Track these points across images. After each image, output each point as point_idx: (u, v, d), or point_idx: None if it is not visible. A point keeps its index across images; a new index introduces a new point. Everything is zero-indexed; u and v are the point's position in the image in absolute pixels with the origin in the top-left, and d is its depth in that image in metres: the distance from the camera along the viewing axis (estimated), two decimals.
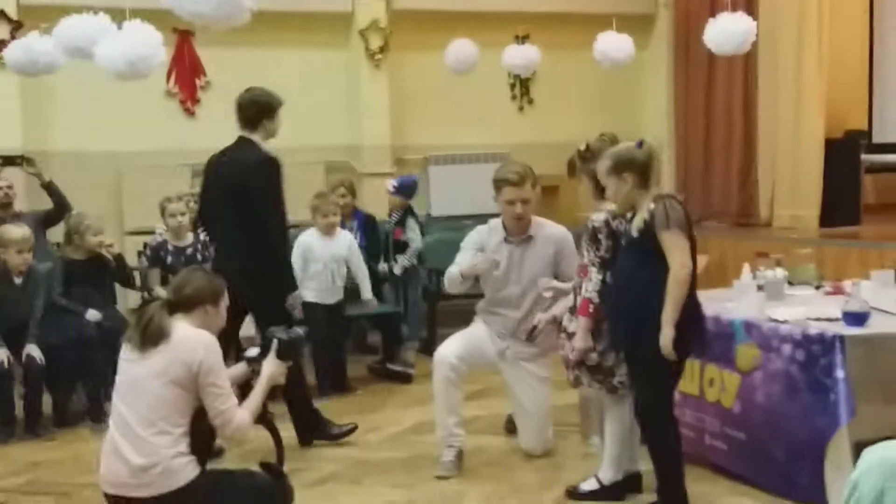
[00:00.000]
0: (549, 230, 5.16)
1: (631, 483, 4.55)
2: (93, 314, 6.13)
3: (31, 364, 5.85)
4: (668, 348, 3.91)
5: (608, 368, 4.44)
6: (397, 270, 7.35)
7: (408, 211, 7.45)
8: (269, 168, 5.37)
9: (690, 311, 4.02)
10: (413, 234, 7.34)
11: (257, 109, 5.45)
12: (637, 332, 4.01)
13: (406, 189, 7.46)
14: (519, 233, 5.09)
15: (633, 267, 4.07)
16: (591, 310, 4.32)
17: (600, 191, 4.40)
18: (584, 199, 4.76)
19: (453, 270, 5.06)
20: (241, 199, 5.27)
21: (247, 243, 5.27)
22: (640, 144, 4.08)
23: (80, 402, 6.22)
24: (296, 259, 6.42)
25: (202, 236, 6.93)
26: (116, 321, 6.21)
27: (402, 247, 7.39)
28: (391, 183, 7.45)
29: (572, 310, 4.56)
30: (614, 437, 4.55)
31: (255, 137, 5.42)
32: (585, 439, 5.40)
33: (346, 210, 7.49)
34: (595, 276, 4.33)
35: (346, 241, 6.89)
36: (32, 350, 5.86)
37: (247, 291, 4.92)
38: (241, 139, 5.44)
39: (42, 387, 5.97)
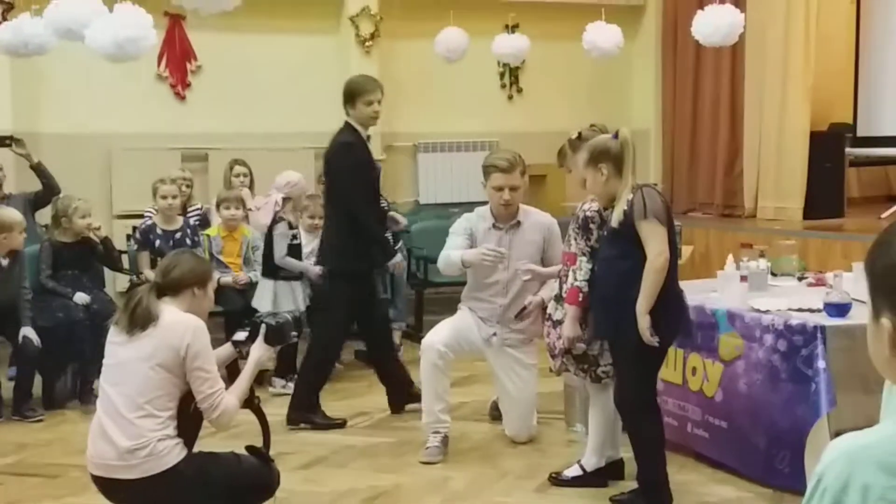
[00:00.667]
0: (536, 217, 5.20)
1: (613, 470, 4.61)
2: (81, 297, 6.15)
3: (27, 346, 5.86)
4: (647, 335, 3.95)
5: (593, 357, 4.48)
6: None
7: None
8: (342, 152, 5.72)
9: (672, 298, 4.06)
10: None
11: (343, 96, 5.78)
12: (619, 321, 4.05)
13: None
14: (507, 219, 5.13)
15: (613, 257, 4.12)
16: (580, 299, 4.35)
17: None
18: (572, 189, 4.80)
19: (453, 255, 5.06)
20: (327, 179, 5.90)
21: (335, 220, 5.75)
22: (616, 135, 4.12)
23: (67, 384, 6.24)
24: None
25: (191, 220, 6.95)
26: (105, 304, 6.23)
27: None
28: None
29: (557, 298, 4.60)
30: (598, 424, 4.60)
31: (352, 122, 5.71)
32: (569, 426, 5.45)
33: None
34: (585, 265, 4.36)
35: None
36: (28, 332, 5.87)
37: (333, 265, 5.77)
38: (345, 122, 5.81)
39: (35, 369, 5.99)
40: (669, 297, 4.04)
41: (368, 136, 5.85)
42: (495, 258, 4.91)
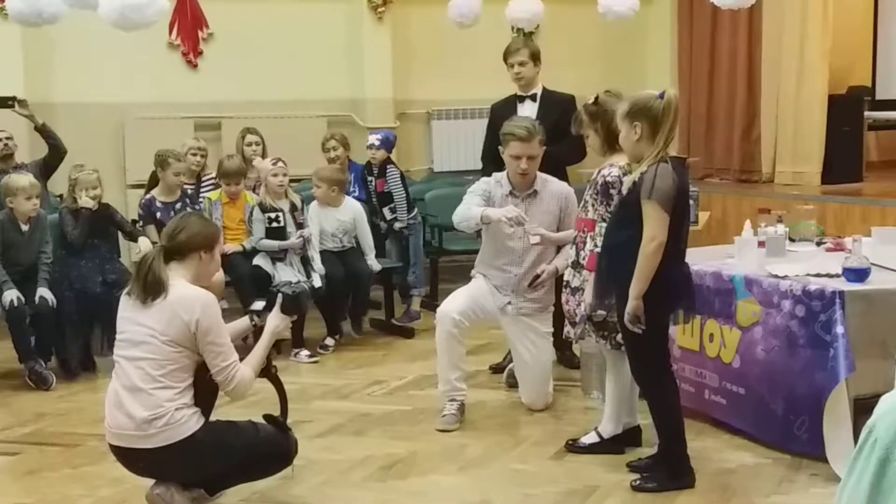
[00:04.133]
0: (554, 187, 5.16)
1: (630, 436, 4.59)
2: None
3: (43, 306, 5.90)
4: (630, 318, 3.90)
5: (613, 324, 4.44)
6: (398, 226, 7.35)
7: (387, 162, 7.45)
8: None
9: (670, 282, 3.95)
10: (395, 186, 7.35)
11: None
12: (618, 294, 3.99)
13: (389, 143, 7.48)
14: (524, 188, 5.09)
15: (614, 224, 4.07)
16: None
17: (608, 145, 4.39)
18: (588, 154, 4.74)
19: (474, 210, 5.02)
20: None
21: None
22: (662, 95, 3.94)
23: (100, 348, 6.25)
24: (312, 226, 6.73)
25: (189, 190, 6.92)
26: (123, 274, 6.24)
27: (386, 198, 7.39)
28: (375, 137, 7.44)
29: (574, 265, 4.58)
30: (615, 391, 4.58)
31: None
32: (586, 394, 5.44)
33: (340, 162, 7.47)
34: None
35: (354, 210, 6.95)
36: (45, 293, 5.92)
37: None
38: None
39: (53, 328, 6.01)
40: (667, 281, 3.92)
41: (520, 97, 5.98)
42: (516, 220, 4.87)
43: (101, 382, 5.78)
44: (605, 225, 4.29)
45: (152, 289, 3.62)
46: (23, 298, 5.83)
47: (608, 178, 4.33)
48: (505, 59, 5.95)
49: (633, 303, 3.89)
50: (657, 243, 3.84)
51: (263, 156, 7.42)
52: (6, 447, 4.88)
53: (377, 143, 7.36)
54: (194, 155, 7.17)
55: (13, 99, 7.03)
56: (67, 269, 6.19)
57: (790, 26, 8.57)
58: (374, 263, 6.95)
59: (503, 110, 5.94)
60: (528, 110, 5.87)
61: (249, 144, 7.51)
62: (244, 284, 6.45)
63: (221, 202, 6.78)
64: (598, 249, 4.28)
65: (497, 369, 5.92)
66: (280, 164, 6.64)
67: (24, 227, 6.04)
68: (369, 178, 7.48)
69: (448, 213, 7.99)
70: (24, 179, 6.06)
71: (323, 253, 6.72)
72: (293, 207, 6.69)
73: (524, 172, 5.02)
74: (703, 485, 4.13)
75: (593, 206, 4.41)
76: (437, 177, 9.33)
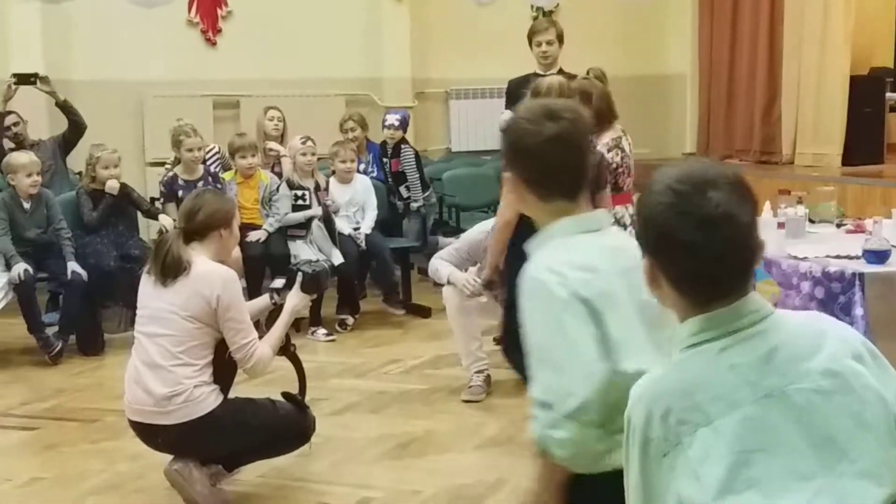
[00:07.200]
0: None
1: None
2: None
3: (75, 279, 5.94)
4: (483, 282, 4.49)
5: None
6: (415, 206, 7.34)
7: (402, 142, 7.43)
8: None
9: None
10: (409, 165, 7.33)
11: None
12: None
13: (406, 122, 7.47)
14: None
15: None
16: None
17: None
18: None
19: (442, 271, 5.06)
20: None
21: None
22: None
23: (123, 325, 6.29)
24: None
25: (212, 168, 6.91)
26: (144, 251, 6.25)
27: (401, 177, 7.38)
28: (395, 117, 7.41)
29: None
30: None
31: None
32: None
33: (358, 143, 7.46)
34: None
35: (363, 186, 6.95)
36: (75, 267, 5.97)
37: None
38: None
39: (81, 301, 6.04)
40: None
41: (539, 75, 5.87)
42: (474, 293, 4.91)
43: (121, 358, 5.78)
44: None
45: (172, 270, 3.62)
46: (31, 271, 5.87)
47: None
48: (530, 38, 5.94)
49: (485, 271, 4.41)
50: (504, 220, 4.16)
51: (284, 134, 7.38)
52: (25, 422, 4.93)
53: (396, 123, 7.34)
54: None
55: (35, 76, 7.05)
56: (82, 246, 6.20)
57: (812, 6, 8.49)
58: (359, 236, 6.89)
59: (521, 88, 5.92)
60: None
61: (272, 119, 7.43)
62: (255, 264, 6.45)
63: (236, 182, 6.79)
64: None
65: (500, 340, 5.92)
66: (309, 143, 6.65)
67: (27, 205, 6.09)
68: (384, 160, 7.47)
69: (465, 193, 8.04)
70: (24, 157, 6.12)
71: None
72: (317, 187, 6.68)
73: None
74: None
75: None
76: (455, 156, 9.31)
